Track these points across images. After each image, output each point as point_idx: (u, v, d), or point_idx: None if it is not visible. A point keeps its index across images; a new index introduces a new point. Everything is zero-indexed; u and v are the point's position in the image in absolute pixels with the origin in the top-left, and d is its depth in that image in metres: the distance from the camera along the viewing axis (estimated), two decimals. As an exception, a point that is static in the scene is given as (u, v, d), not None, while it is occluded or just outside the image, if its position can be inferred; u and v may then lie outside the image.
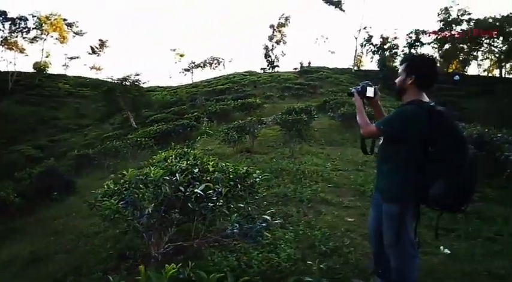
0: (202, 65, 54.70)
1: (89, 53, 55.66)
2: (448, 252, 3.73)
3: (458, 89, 36.10)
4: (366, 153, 2.81)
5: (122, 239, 4.43)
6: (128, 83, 24.37)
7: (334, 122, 13.54)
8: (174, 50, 57.07)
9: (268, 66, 52.00)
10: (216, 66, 54.75)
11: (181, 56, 56.67)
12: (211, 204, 3.06)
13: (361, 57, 48.21)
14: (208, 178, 3.56)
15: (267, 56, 52.35)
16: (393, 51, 41.20)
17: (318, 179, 6.53)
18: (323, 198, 5.47)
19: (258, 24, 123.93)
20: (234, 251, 3.67)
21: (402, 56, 42.21)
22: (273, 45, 52.30)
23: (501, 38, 29.95)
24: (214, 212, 3.13)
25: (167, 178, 3.11)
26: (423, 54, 3.89)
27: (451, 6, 35.85)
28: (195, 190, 3.02)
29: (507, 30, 28.73)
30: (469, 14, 34.72)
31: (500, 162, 5.88)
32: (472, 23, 32.60)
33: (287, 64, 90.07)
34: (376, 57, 42.00)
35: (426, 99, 2.41)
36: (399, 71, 2.54)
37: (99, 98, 27.13)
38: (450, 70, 47.16)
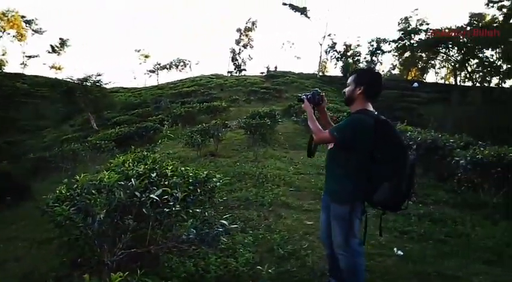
0: (168, 66, 53.81)
1: (49, 52, 53.20)
2: (401, 253, 3.87)
3: (417, 95, 37.64)
4: (310, 157, 2.98)
5: (76, 246, 4.26)
6: (88, 84, 23.54)
7: (299, 126, 13.73)
8: (139, 51, 55.83)
9: (235, 69, 52.05)
10: (183, 69, 54.06)
11: (147, 57, 55.55)
12: (168, 210, 3.00)
13: (326, 63, 49.35)
14: (166, 183, 3.49)
15: (234, 59, 52.41)
16: (356, 58, 42.44)
17: (280, 182, 6.59)
18: (284, 201, 5.53)
19: (225, 27, 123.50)
20: (192, 256, 3.63)
21: (365, 63, 43.71)
22: (240, 49, 52.44)
23: (456, 48, 31.64)
24: (171, 218, 3.07)
25: (122, 183, 3.02)
26: (371, 68, 4.06)
27: (411, 16, 37.41)
28: (151, 195, 2.95)
29: (461, 40, 30.44)
30: (428, 24, 36.41)
31: (451, 167, 6.18)
32: (429, 33, 34.16)
33: (254, 68, 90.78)
34: (340, 63, 43.12)
35: (371, 108, 2.59)
36: (348, 81, 2.70)
37: (59, 98, 26.01)
38: (409, 77, 49.21)
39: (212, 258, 3.55)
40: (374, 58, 43.55)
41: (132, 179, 3.14)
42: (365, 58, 43.43)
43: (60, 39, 52.94)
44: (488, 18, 32.05)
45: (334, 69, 47.87)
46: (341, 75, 41.99)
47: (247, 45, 52.45)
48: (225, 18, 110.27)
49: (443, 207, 5.61)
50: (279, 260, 3.63)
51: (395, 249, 3.96)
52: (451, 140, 7.13)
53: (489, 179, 5.22)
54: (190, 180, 3.80)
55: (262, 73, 43.36)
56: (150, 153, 5.53)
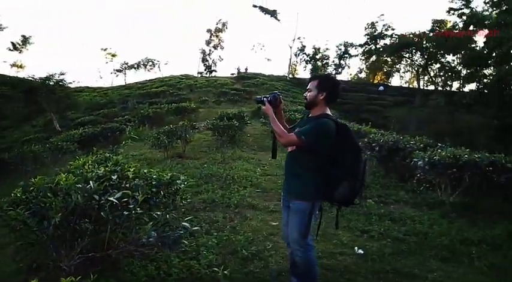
0: (136, 66, 52.43)
1: (10, 50, 50.59)
2: (362, 252, 3.98)
3: (383, 98, 38.85)
4: (274, 158, 3.10)
5: (31, 251, 4.09)
6: (51, 83, 22.64)
7: (267, 128, 13.80)
8: (105, 50, 54.14)
9: (205, 70, 51.66)
10: (151, 68, 52.84)
11: (113, 56, 53.94)
12: (127, 213, 2.93)
13: (296, 66, 49.98)
14: (128, 185, 3.42)
15: (204, 60, 51.99)
16: (325, 61, 43.25)
17: (247, 184, 6.61)
18: (250, 203, 5.55)
19: (196, 28, 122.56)
20: (154, 259, 3.58)
21: (333, 66, 44.63)
22: (210, 50, 52.06)
23: (418, 53, 32.91)
24: (130, 221, 3.01)
25: (80, 186, 2.93)
26: (332, 75, 4.16)
27: (377, 21, 38.50)
28: (109, 198, 2.88)
29: (423, 46, 31.72)
30: (393, 29, 37.63)
31: (411, 168, 6.41)
32: (394, 38, 35.35)
33: (225, 69, 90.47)
34: (309, 66, 43.78)
35: (330, 112, 2.76)
36: (309, 86, 2.80)
37: (20, 98, 24.87)
38: (376, 81, 50.70)
39: (175, 261, 3.51)
40: (342, 62, 44.55)
41: (91, 182, 3.06)
42: (333, 61, 44.35)
43: (22, 36, 50.56)
44: (449, 24, 33.54)
45: (304, 72, 48.57)
46: (309, 77, 42.60)
47: (217, 46, 52.19)
48: (195, 18, 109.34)
49: (404, 206, 5.82)
50: (242, 261, 3.64)
51: (356, 248, 4.07)
52: (411, 142, 7.38)
53: (446, 179, 5.45)
54: (153, 183, 3.74)
55: (232, 74, 43.33)
56: (112, 154, 5.40)
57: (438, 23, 33.15)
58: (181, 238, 3.01)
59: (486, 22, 27.20)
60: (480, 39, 28.89)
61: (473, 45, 28.93)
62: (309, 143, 2.57)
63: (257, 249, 3.87)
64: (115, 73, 54.08)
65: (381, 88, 43.02)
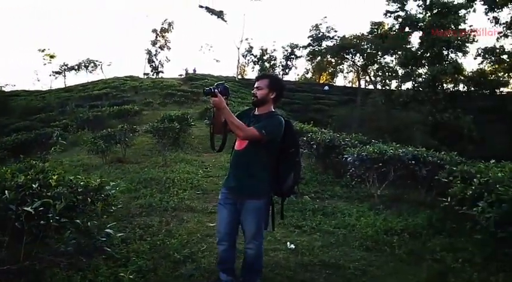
0: (76, 67, 49.95)
1: None
2: (293, 247, 4.11)
3: (328, 98, 40.30)
4: (214, 150, 3.02)
5: None
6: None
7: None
8: (43, 51, 51.02)
9: (152, 71, 50.42)
10: (93, 70, 50.61)
11: (52, 57, 50.98)
12: (44, 222, 2.81)
13: (245, 66, 50.32)
14: (49, 193, 3.28)
15: (150, 61, 50.72)
16: (272, 62, 43.93)
17: (187, 186, 6.56)
18: (188, 205, 5.52)
19: (141, 27, 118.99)
20: (81, 269, 3.45)
21: (281, 66, 45.46)
22: (156, 51, 50.91)
23: (358, 55, 34.49)
24: (49, 230, 2.89)
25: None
26: (279, 76, 4.22)
27: (321, 24, 39.77)
28: (25, 208, 2.74)
29: (362, 47, 33.31)
30: (336, 31, 39.08)
31: (345, 164, 6.72)
32: (336, 39, 36.73)
33: (172, 70, 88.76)
34: (257, 67, 44.26)
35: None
36: (259, 84, 2.84)
37: None
38: (322, 81, 52.45)
39: (102, 269, 3.41)
40: (289, 62, 45.51)
41: (6, 191, 2.90)
42: (281, 62, 45.18)
43: None
44: (386, 27, 35.48)
45: (252, 73, 49.03)
46: (258, 78, 43.05)
47: (164, 47, 51.16)
48: (140, 18, 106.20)
49: (337, 201, 6.10)
50: (174, 264, 3.61)
51: (288, 243, 4.20)
52: (347, 139, 7.74)
53: (373, 173, 5.79)
54: (80, 190, 3.61)
55: (180, 75, 42.71)
56: (39, 162, 5.11)
57: (376, 25, 34.89)
58: (103, 246, 2.94)
59: (420, 24, 29.08)
60: (415, 40, 30.91)
61: (408, 46, 30.77)
62: (269, 138, 2.66)
63: (190, 252, 3.86)
64: (54, 75, 51.22)
65: (326, 88, 44.56)
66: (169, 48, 51.89)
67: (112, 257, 3.58)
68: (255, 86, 2.85)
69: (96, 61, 50.62)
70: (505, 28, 23.54)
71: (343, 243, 4.23)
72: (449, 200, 4.00)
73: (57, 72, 50.78)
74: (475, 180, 3.90)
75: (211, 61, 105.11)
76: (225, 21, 43.35)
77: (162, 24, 51.20)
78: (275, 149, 2.77)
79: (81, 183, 3.80)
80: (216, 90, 2.68)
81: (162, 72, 50.02)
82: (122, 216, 5.03)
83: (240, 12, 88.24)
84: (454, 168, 4.81)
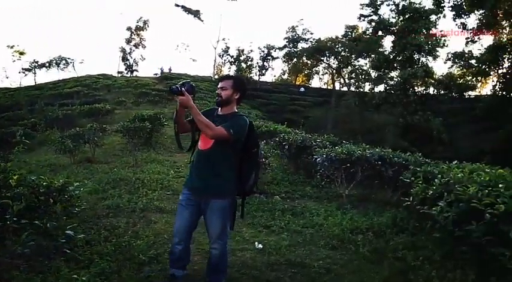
0: (47, 65, 48.23)
1: None
2: (261, 246, 4.13)
3: (304, 99, 40.75)
4: (182, 149, 3.07)
5: None
6: None
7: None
8: (12, 47, 49.08)
9: (126, 70, 49.48)
10: (65, 67, 49.01)
11: (21, 53, 49.01)
12: (1, 224, 2.72)
13: (221, 66, 50.12)
14: (9, 194, 3.17)
15: (124, 59, 49.75)
16: (249, 63, 43.92)
17: (157, 187, 6.48)
18: (157, 206, 5.45)
19: (115, 25, 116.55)
20: (42, 271, 3.35)
21: (258, 67, 45.53)
22: (131, 49, 49.95)
23: (333, 57, 35.05)
24: (6, 232, 2.79)
25: None
26: (242, 77, 4.24)
27: (297, 26, 40.16)
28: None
29: (336, 50, 33.88)
30: (312, 33, 39.57)
31: (316, 164, 6.81)
32: (311, 41, 37.18)
33: (147, 69, 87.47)
34: (234, 67, 44.18)
35: None
36: (223, 84, 2.85)
37: None
38: (298, 82, 52.91)
39: (64, 271, 3.32)
40: (265, 63, 45.60)
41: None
42: (257, 63, 45.21)
43: None
44: (360, 30, 36.22)
45: (229, 73, 48.85)
46: (235, 78, 42.95)
47: (139, 45, 50.27)
48: (115, 16, 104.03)
49: (307, 201, 6.18)
50: (139, 266, 3.55)
51: (256, 243, 4.21)
52: (318, 140, 7.85)
53: (341, 173, 5.90)
54: (42, 190, 3.52)
55: (156, 74, 42.09)
56: (0, 162, 4.92)
57: (351, 29, 35.59)
58: (62, 247, 2.87)
59: (393, 28, 29.84)
60: (388, 44, 31.69)
61: (381, 50, 31.51)
62: (236, 137, 2.68)
63: (156, 253, 3.81)
64: (23, 72, 49.29)
65: (302, 89, 45.03)
66: (145, 47, 51.13)
67: (74, 258, 3.50)
68: (219, 86, 2.86)
69: (68, 58, 49.05)
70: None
71: (310, 242, 4.29)
72: (411, 199, 4.12)
73: (26, 70, 48.90)
74: (436, 180, 4.04)
75: (187, 60, 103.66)
76: (202, 20, 43.10)
77: (137, 22, 50.35)
78: (239, 149, 2.80)
79: (44, 183, 3.71)
80: (183, 88, 2.64)
81: (137, 70, 49.21)
82: (88, 217, 4.92)
83: (217, 12, 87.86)
84: (418, 169, 4.97)
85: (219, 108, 2.89)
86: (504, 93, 21.64)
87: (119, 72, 47.91)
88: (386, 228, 4.60)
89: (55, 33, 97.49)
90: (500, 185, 3.28)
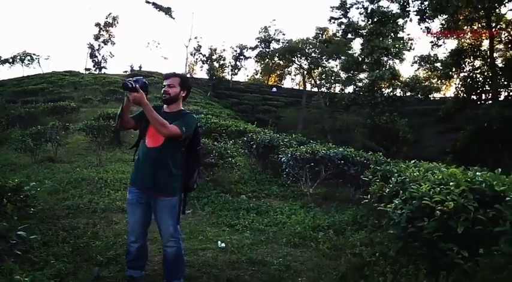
0: (10, 60, 46.17)
1: None
2: (224, 245, 4.15)
3: (276, 99, 41.08)
4: (118, 143, 3.02)
5: None
6: None
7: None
8: (-28, 41, 46.73)
9: (94, 67, 48.13)
10: (30, 63, 47.09)
11: (-18, 48, 46.85)
12: None
13: (194, 65, 49.63)
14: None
15: (92, 56, 48.35)
16: (221, 62, 43.74)
17: (120, 186, 6.35)
18: (120, 206, 5.35)
19: (84, 21, 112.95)
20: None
21: (230, 67, 45.41)
22: (99, 45, 48.60)
23: (303, 58, 35.46)
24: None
25: None
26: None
27: (270, 26, 40.33)
28: None
29: (307, 51, 34.32)
30: (284, 34, 39.85)
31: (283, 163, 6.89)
32: (283, 42, 37.48)
33: (117, 66, 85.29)
34: (206, 66, 43.84)
35: None
36: (170, 82, 2.86)
37: None
38: (270, 82, 53.21)
39: (17, 274, 3.21)
40: (238, 63, 45.56)
41: None
42: (230, 62, 45.09)
43: None
44: (331, 32, 36.87)
45: (201, 72, 48.56)
46: (207, 78, 42.78)
47: (107, 42, 48.97)
48: (83, 11, 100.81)
49: (273, 200, 6.25)
50: (97, 267, 3.49)
51: (219, 242, 4.22)
52: (285, 140, 7.93)
53: (306, 172, 6.00)
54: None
55: (125, 72, 41.18)
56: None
57: (321, 31, 36.19)
58: (15, 248, 2.78)
59: (362, 31, 30.53)
60: (357, 46, 32.41)
61: (350, 52, 32.18)
62: (187, 135, 2.75)
63: (115, 254, 3.74)
64: (-15, 68, 46.94)
65: (274, 89, 45.35)
66: (114, 43, 49.86)
67: (29, 260, 3.40)
68: (166, 83, 2.86)
69: (34, 54, 47.21)
70: (435, 38, 25.43)
71: (272, 240, 4.35)
72: (369, 197, 4.25)
73: (-12, 66, 46.68)
74: (392, 178, 4.18)
75: (159, 58, 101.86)
76: (173, 18, 42.53)
77: (106, 18, 49.06)
78: (186, 146, 2.84)
79: (-1, 183, 3.59)
80: (136, 85, 2.60)
81: (105, 67, 47.98)
82: (47, 218, 4.79)
83: (189, 10, 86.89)
84: (378, 168, 5.12)
85: (165, 106, 2.90)
86: (465, 95, 22.60)
87: (86, 69, 46.54)
88: (347, 226, 4.73)
89: (20, 28, 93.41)
90: (451, 183, 3.42)
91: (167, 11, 41.39)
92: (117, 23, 49.47)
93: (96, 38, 48.76)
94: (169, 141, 2.72)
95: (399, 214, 3.53)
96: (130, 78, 2.71)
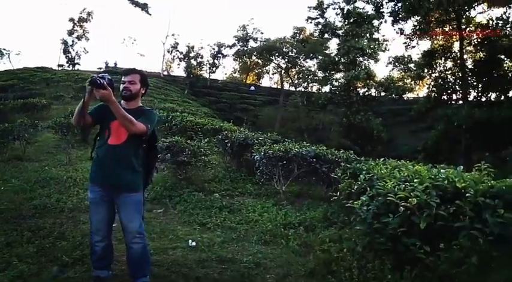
0: (-21, 56, 44.33)
1: None
2: (194, 244, 4.13)
3: (254, 98, 41.12)
4: (86, 141, 2.99)
5: None
6: None
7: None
8: None
9: (67, 63, 46.81)
10: (-1, 59, 45.30)
11: None
12: None
13: (171, 63, 48.99)
14: None
15: (66, 51, 46.99)
16: (199, 60, 43.33)
17: (89, 186, 6.22)
18: (88, 206, 5.21)
19: (56, 16, 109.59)
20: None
21: (208, 65, 45.06)
22: (73, 41, 47.29)
23: (281, 57, 35.71)
24: None
25: None
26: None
27: (248, 25, 40.28)
28: None
29: (284, 50, 34.56)
30: (262, 33, 39.92)
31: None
32: (261, 41, 37.58)
33: (92, 63, 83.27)
34: (183, 64, 43.34)
35: None
36: (131, 78, 2.85)
37: None
38: (248, 81, 53.19)
39: (-25, 276, 3.11)
40: (216, 61, 45.25)
41: None
42: (208, 60, 44.72)
43: None
44: (308, 32, 37.21)
45: (178, 69, 47.95)
46: (184, 75, 42.30)
47: (82, 37, 47.68)
48: (57, 5, 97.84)
49: (247, 198, 6.26)
50: (62, 267, 3.41)
51: (189, 240, 4.20)
52: (260, 138, 7.95)
53: (278, 170, 6.04)
54: None
55: (100, 68, 40.31)
56: None
57: (299, 30, 36.44)
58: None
59: (338, 32, 30.92)
60: (334, 46, 32.81)
61: (327, 52, 32.59)
62: (151, 131, 2.80)
63: (82, 254, 3.66)
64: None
65: (252, 88, 45.37)
66: (88, 39, 48.57)
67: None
68: (127, 80, 2.83)
69: (4, 49, 45.42)
70: (408, 39, 26.01)
71: (243, 238, 4.37)
72: (338, 194, 4.33)
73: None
74: (361, 176, 4.27)
75: (135, 55, 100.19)
76: (150, 14, 41.83)
77: (81, 13, 47.78)
78: (146, 142, 2.86)
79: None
80: (104, 82, 2.55)
81: (79, 64, 46.72)
82: (12, 218, 4.68)
83: (166, 6, 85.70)
84: (348, 166, 5.22)
85: (123, 102, 2.86)
86: (436, 95, 23.25)
87: (59, 66, 45.22)
88: (317, 223, 4.80)
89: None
90: (415, 180, 3.52)
91: (143, 7, 40.68)
92: (92, 18, 48.29)
93: (70, 33, 47.40)
94: (132, 139, 2.72)
95: (366, 210, 3.61)
96: (95, 75, 2.67)
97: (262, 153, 6.06)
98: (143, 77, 2.92)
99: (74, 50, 47.48)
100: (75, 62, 46.98)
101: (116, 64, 41.66)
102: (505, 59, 21.00)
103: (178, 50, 43.73)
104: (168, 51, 44.52)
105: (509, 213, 2.75)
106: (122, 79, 2.87)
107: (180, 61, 44.11)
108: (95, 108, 2.82)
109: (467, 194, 3.04)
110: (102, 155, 2.79)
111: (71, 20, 47.61)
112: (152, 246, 3.93)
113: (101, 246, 2.91)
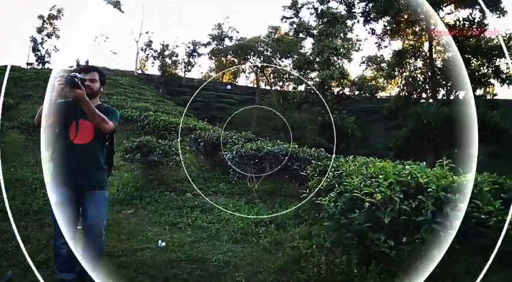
0: None
1: None
2: (164, 244, 4.09)
3: (231, 97, 41.00)
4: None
5: None
6: None
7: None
8: None
9: (37, 61, 45.24)
10: (-38, 57, 43.35)
11: None
12: None
13: (145, 61, 48.12)
14: None
15: (35, 50, 45.39)
16: (173, 58, 42.78)
17: (57, 187, 6.05)
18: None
19: (25, 13, 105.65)
20: None
21: (183, 63, 44.57)
22: (42, 39, 45.71)
23: (256, 56, 35.73)
24: None
25: None
26: None
27: (223, 23, 40.05)
28: None
29: (259, 49, 34.60)
30: (238, 31, 39.73)
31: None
32: (236, 40, 37.48)
33: (62, 61, 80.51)
34: (158, 62, 42.69)
35: None
36: (91, 77, 2.84)
37: None
38: (225, 80, 52.96)
39: None
40: (191, 60, 44.79)
41: None
42: (183, 59, 44.20)
43: None
44: (283, 31, 37.38)
45: (152, 68, 47.13)
46: (159, 74, 41.67)
47: (51, 35, 46.18)
48: (25, 2, 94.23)
49: (220, 197, 6.25)
50: (24, 271, 3.31)
51: (159, 241, 4.16)
52: (234, 137, 7.95)
53: (251, 169, 6.06)
54: None
55: (71, 67, 39.07)
56: None
57: (274, 29, 36.58)
58: None
59: (312, 31, 31.22)
60: (308, 45, 33.11)
61: (302, 51, 32.83)
62: (115, 128, 2.83)
63: (46, 257, 3.58)
64: None
65: (228, 87, 45.21)
66: (58, 37, 47.07)
67: None
68: (88, 78, 2.78)
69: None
70: (380, 39, 26.60)
71: (214, 237, 4.37)
72: (308, 191, 4.38)
73: None
74: (330, 173, 4.33)
75: (107, 53, 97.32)
76: (122, 11, 41.05)
77: (50, 10, 46.25)
78: (111, 141, 2.93)
79: None
80: (79, 82, 2.52)
81: (49, 62, 45.20)
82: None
83: (139, 3, 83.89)
84: (319, 163, 5.28)
85: None
86: (406, 94, 23.91)
87: (28, 64, 43.65)
88: (288, 220, 4.85)
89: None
90: (380, 176, 3.61)
91: (116, 4, 39.88)
92: (62, 15, 46.83)
93: (39, 31, 45.80)
94: (99, 137, 2.73)
95: (334, 207, 3.67)
96: (65, 74, 2.61)
97: (234, 152, 6.07)
98: (101, 75, 2.94)
99: (43, 48, 45.93)
100: (45, 60, 45.48)
101: (87, 62, 40.46)
102: (472, 58, 21.80)
103: (152, 48, 43.04)
104: (142, 50, 43.74)
105: (469, 207, 2.87)
106: (81, 77, 2.79)
107: (155, 59, 43.38)
108: (56, 107, 2.73)
109: (429, 189, 3.14)
110: (67, 155, 2.72)
111: (40, 17, 46.03)
112: (120, 248, 3.89)
113: (66, 249, 2.83)
